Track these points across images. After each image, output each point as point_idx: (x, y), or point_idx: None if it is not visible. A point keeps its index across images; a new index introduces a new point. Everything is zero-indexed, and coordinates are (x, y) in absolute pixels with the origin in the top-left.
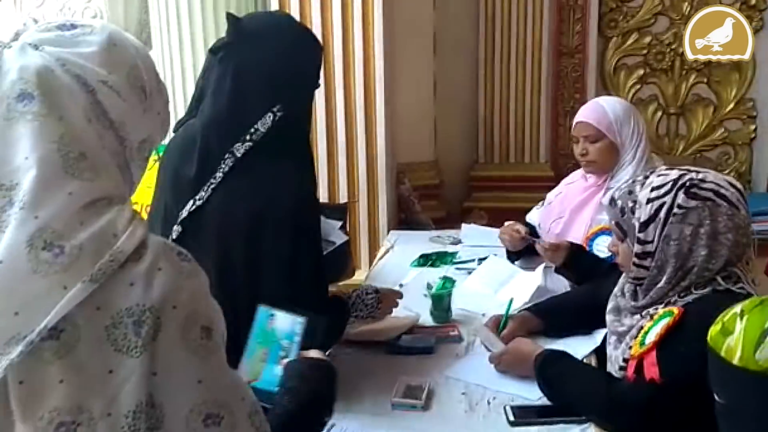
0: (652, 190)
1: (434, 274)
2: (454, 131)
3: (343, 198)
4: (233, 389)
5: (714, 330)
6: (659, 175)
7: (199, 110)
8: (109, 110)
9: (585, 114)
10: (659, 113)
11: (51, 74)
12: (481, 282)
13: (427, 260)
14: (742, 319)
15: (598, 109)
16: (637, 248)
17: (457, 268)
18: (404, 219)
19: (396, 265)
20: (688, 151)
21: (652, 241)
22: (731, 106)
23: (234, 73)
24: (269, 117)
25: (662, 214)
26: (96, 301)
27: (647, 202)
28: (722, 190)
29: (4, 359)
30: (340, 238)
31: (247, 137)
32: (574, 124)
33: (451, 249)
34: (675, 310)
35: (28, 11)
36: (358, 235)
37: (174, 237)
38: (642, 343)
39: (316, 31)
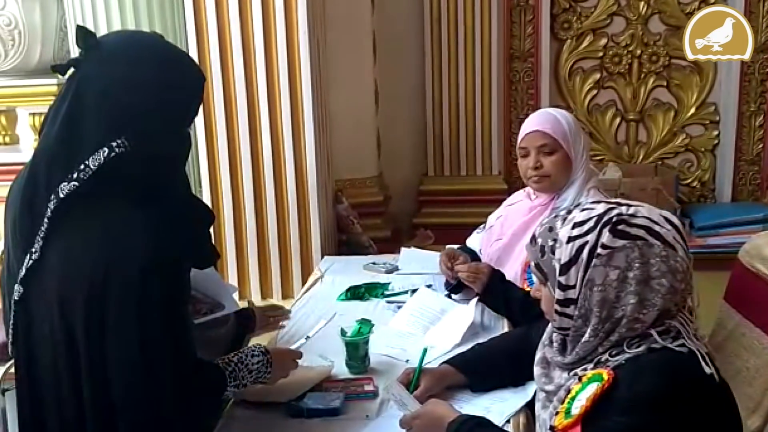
0: (574, 226)
1: (356, 312)
2: (400, 142)
3: (271, 220)
4: None
5: None
6: (583, 210)
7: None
8: None
9: (539, 122)
10: (618, 119)
11: None
12: (408, 321)
13: (355, 293)
14: None
15: (552, 118)
16: (558, 294)
17: (388, 301)
18: (345, 240)
19: (323, 298)
20: (649, 158)
21: (573, 287)
22: (693, 110)
23: (74, 94)
24: (103, 152)
25: (584, 254)
26: None
27: (568, 241)
28: (656, 227)
29: None
30: (232, 306)
31: (74, 174)
32: (522, 134)
33: (384, 279)
34: (605, 374)
35: None
36: (289, 262)
37: (16, 298)
38: (568, 412)
39: (235, 34)
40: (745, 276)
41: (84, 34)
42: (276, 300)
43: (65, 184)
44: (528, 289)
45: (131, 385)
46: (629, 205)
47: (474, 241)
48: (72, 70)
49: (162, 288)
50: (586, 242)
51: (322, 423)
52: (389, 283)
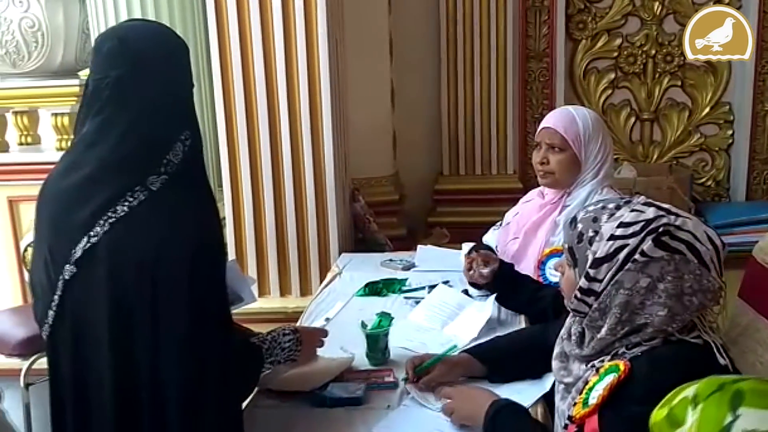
0: (620, 225)
1: (373, 307)
2: (416, 142)
3: (290, 217)
4: None
5: (659, 415)
6: (633, 210)
7: (87, 144)
8: None
9: (553, 120)
10: (632, 119)
11: None
12: (426, 315)
13: (373, 289)
14: (695, 408)
15: (568, 118)
16: (583, 282)
17: (406, 297)
18: (361, 238)
19: (342, 293)
20: (664, 158)
21: (601, 281)
22: (707, 110)
23: (135, 105)
24: (179, 146)
25: (621, 256)
26: None
27: (609, 239)
28: (697, 244)
29: None
30: (249, 298)
31: (161, 170)
32: (539, 128)
33: (401, 275)
34: (621, 365)
35: None
36: (308, 258)
37: (67, 277)
38: (585, 403)
39: (256, 39)
40: (760, 273)
41: (121, 48)
42: (294, 296)
43: (154, 177)
44: (540, 281)
45: (180, 360)
46: (678, 215)
47: (490, 238)
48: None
49: (210, 268)
50: (627, 245)
51: (344, 412)
52: (407, 279)
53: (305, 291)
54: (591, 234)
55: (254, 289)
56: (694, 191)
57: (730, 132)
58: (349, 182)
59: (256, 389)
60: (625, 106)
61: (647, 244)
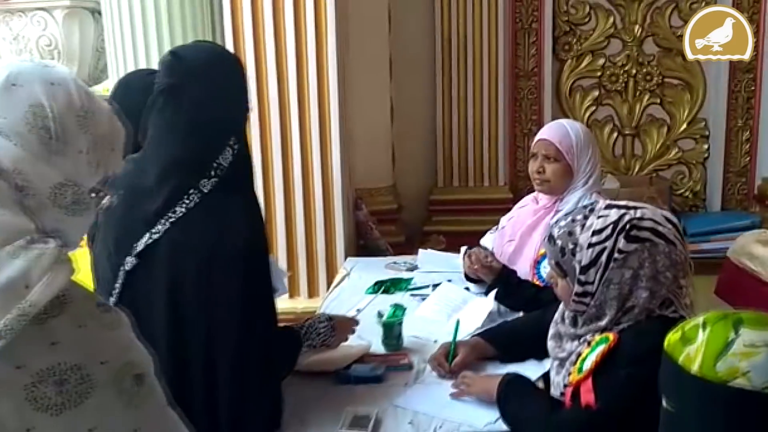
0: (593, 234)
1: (387, 301)
2: (413, 155)
3: (299, 223)
4: (164, 428)
5: (673, 337)
6: (599, 217)
7: (148, 150)
8: (1, 158)
9: (549, 133)
10: (615, 134)
11: None
12: (433, 309)
13: (381, 287)
14: (704, 329)
15: (562, 131)
16: (577, 288)
17: (412, 295)
18: (363, 245)
19: (352, 291)
20: (645, 170)
21: (592, 283)
22: (684, 126)
23: (188, 110)
24: (228, 151)
25: (603, 258)
26: (16, 360)
27: (588, 247)
28: (660, 228)
29: None
30: (282, 289)
31: (212, 173)
32: (535, 139)
33: (406, 275)
34: (610, 336)
35: None
36: (315, 263)
37: (128, 268)
38: (580, 370)
39: (270, 61)
40: (734, 272)
41: (176, 60)
42: (303, 298)
43: (205, 180)
44: (537, 282)
45: (232, 344)
46: (636, 208)
47: (487, 241)
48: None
49: (258, 263)
50: (605, 248)
51: (366, 389)
52: (412, 279)
53: (313, 293)
54: (571, 246)
55: (285, 281)
56: (673, 202)
57: (706, 146)
58: (353, 192)
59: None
60: (608, 122)
61: (621, 243)
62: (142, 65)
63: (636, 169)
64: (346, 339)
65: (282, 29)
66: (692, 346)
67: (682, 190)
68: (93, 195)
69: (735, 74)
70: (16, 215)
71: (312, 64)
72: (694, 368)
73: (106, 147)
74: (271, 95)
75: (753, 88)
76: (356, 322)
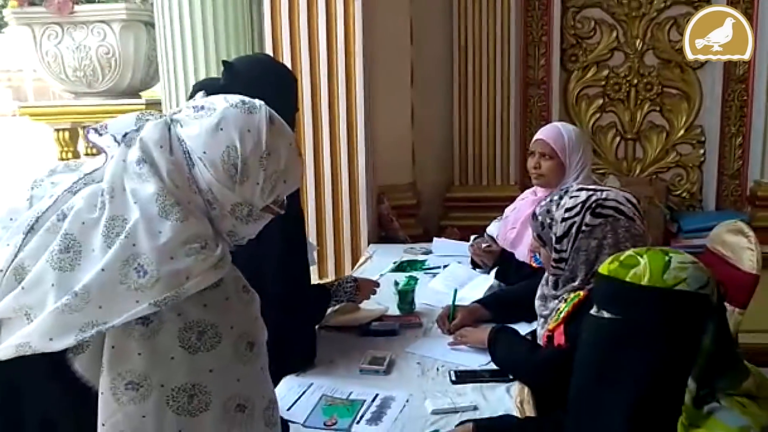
0: (566, 210)
1: (404, 276)
2: (431, 156)
3: (328, 212)
4: (260, 388)
5: (611, 266)
6: (571, 197)
7: None
8: (199, 180)
9: (545, 134)
10: (617, 138)
11: (160, 148)
12: (442, 282)
13: (399, 266)
14: (642, 257)
15: (557, 132)
16: (554, 255)
17: (425, 273)
18: (384, 236)
19: (374, 271)
20: (645, 173)
21: (565, 251)
22: (682, 132)
23: None
24: None
25: (573, 231)
26: (178, 310)
27: (561, 221)
28: (621, 207)
29: (78, 334)
30: (312, 260)
31: None
32: (534, 139)
33: (421, 258)
34: (582, 293)
35: (45, 49)
36: (342, 247)
37: None
38: (556, 320)
39: (305, 70)
40: (712, 260)
41: (229, 66)
42: (330, 279)
43: None
44: (534, 265)
45: (278, 292)
46: (603, 190)
47: (493, 229)
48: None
49: (296, 236)
50: (575, 222)
51: (384, 339)
52: (426, 260)
53: (339, 274)
54: (549, 221)
55: (315, 254)
56: (672, 202)
57: (702, 151)
58: (377, 188)
59: (322, 324)
60: (611, 128)
61: (588, 218)
62: (190, 73)
63: (637, 171)
64: (369, 297)
65: (315, 43)
66: (637, 267)
67: (680, 191)
68: (263, 210)
69: (729, 84)
70: (201, 221)
71: (341, 75)
72: (644, 281)
73: (279, 179)
74: (305, 102)
75: (745, 97)
76: (377, 284)
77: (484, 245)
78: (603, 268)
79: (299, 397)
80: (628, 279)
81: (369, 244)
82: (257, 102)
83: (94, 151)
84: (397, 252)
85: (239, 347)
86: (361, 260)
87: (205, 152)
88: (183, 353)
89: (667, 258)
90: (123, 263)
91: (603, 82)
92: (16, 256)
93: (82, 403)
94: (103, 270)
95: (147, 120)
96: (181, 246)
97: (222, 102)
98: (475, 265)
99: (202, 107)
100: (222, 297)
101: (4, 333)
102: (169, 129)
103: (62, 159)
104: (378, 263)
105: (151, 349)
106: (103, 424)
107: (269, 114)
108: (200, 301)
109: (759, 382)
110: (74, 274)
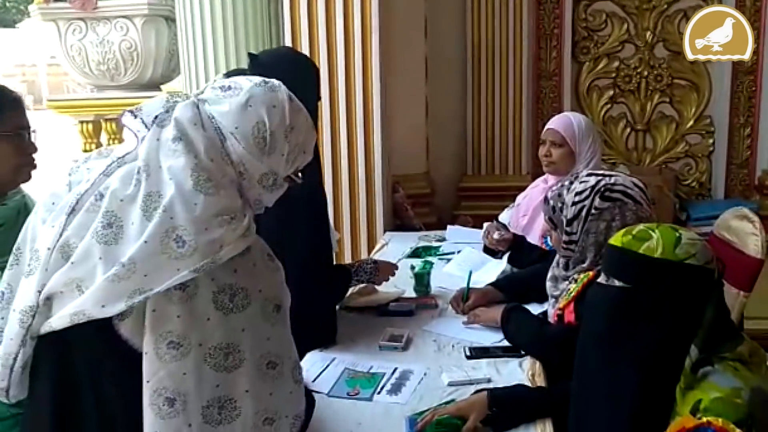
0: (576, 194)
1: (416, 264)
2: (445, 146)
3: (345, 201)
4: (287, 348)
5: (624, 239)
6: (581, 182)
7: None
8: (232, 154)
9: (556, 123)
10: (628, 129)
11: (194, 126)
12: (456, 267)
13: (415, 252)
14: (654, 231)
15: (567, 121)
16: (564, 237)
17: (440, 258)
18: (399, 224)
19: (389, 258)
20: (655, 162)
21: (576, 233)
22: (691, 122)
23: None
24: None
25: (583, 214)
26: (211, 275)
27: (572, 204)
28: (629, 191)
29: (127, 301)
30: (334, 246)
31: None
32: (545, 128)
33: (436, 244)
34: (590, 273)
35: (70, 43)
36: (358, 235)
37: None
38: (567, 299)
39: (323, 64)
40: (718, 245)
41: (253, 57)
42: None
43: None
44: (544, 248)
45: (302, 274)
46: (611, 176)
47: (505, 216)
48: None
49: (320, 222)
50: (584, 205)
51: (402, 320)
52: (441, 246)
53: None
54: (560, 205)
55: (335, 241)
56: (681, 191)
57: (711, 141)
58: (391, 177)
59: (343, 305)
60: (622, 118)
61: (597, 201)
62: (210, 66)
63: (647, 161)
64: (388, 279)
65: (333, 37)
66: (651, 240)
67: (690, 181)
68: (285, 179)
69: (737, 76)
70: (230, 195)
71: (359, 68)
72: (657, 254)
73: (300, 151)
74: (323, 94)
75: (754, 88)
76: (396, 267)
77: (496, 234)
78: (615, 240)
79: (323, 371)
80: (641, 251)
81: (385, 232)
82: (276, 82)
83: (118, 138)
84: (412, 239)
85: (267, 309)
86: (377, 247)
87: (237, 127)
88: (217, 314)
89: (677, 234)
90: (163, 235)
91: (614, 74)
92: (61, 235)
93: (126, 366)
94: (146, 242)
95: (176, 102)
96: (214, 218)
97: (246, 82)
98: (488, 251)
99: (229, 87)
100: (250, 263)
101: (56, 306)
102: (198, 108)
103: (86, 150)
104: (393, 250)
105: (189, 311)
106: (148, 381)
107: (288, 92)
108: (231, 267)
109: (751, 349)
110: (118, 247)
